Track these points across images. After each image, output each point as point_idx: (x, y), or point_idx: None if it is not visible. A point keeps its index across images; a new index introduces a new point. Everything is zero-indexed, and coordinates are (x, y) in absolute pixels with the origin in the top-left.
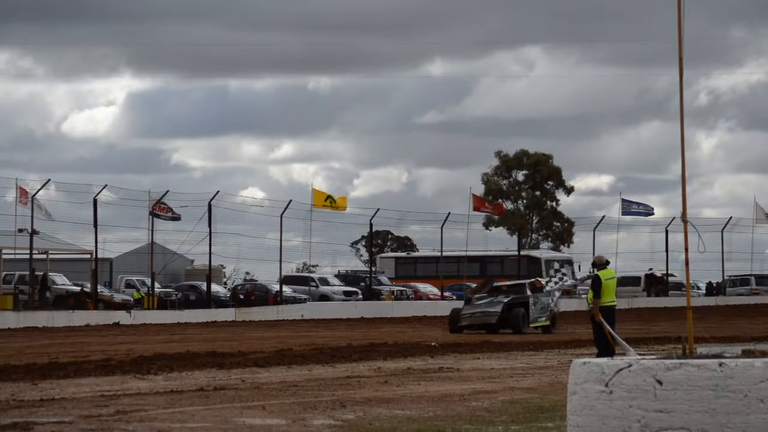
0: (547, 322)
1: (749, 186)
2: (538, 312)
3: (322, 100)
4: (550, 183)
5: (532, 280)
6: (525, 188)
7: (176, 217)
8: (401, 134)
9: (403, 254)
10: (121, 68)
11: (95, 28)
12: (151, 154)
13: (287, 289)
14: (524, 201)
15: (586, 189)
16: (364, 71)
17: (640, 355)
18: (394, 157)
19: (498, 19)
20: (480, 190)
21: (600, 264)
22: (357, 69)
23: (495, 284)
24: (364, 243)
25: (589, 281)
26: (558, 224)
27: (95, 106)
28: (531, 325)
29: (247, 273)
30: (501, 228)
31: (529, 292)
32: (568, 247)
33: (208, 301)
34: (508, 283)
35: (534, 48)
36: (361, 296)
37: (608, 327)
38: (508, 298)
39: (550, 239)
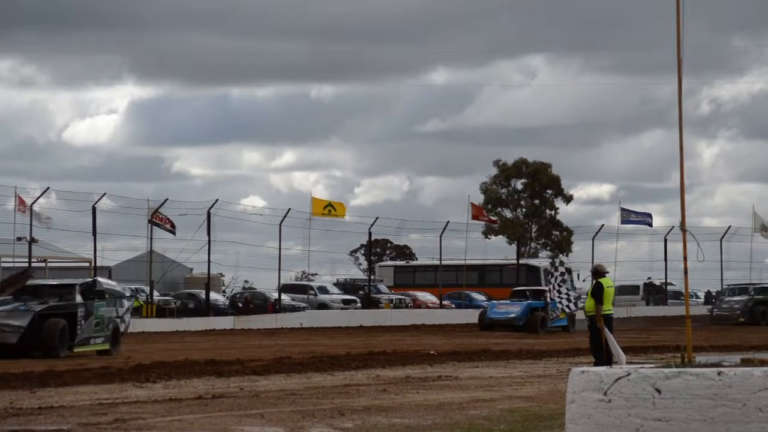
0: (107, 345)
1: (750, 195)
2: (91, 330)
3: (324, 108)
4: (549, 192)
5: (89, 280)
6: (524, 197)
7: (172, 231)
8: (403, 143)
9: (402, 263)
10: (124, 76)
11: (98, 36)
12: (153, 162)
13: (286, 298)
14: (523, 210)
15: (587, 198)
16: (367, 79)
17: (638, 364)
18: (396, 166)
19: (500, 28)
20: (479, 199)
21: (600, 273)
22: (359, 77)
23: (34, 282)
24: (363, 251)
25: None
26: (557, 233)
27: (97, 114)
28: (76, 350)
29: (246, 281)
30: (500, 237)
31: (79, 298)
32: (567, 255)
33: (207, 309)
34: (53, 282)
35: (536, 57)
36: (359, 305)
37: (609, 335)
38: (44, 305)
39: (549, 248)
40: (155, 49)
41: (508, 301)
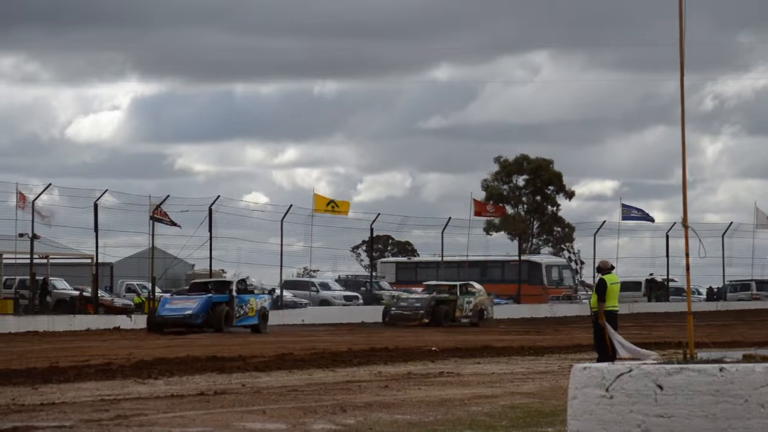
0: None
1: (753, 191)
2: None
3: (327, 104)
4: (551, 188)
5: None
6: (525, 193)
7: (175, 224)
8: (406, 139)
9: (404, 259)
10: (127, 73)
11: (101, 32)
12: (156, 159)
13: (288, 294)
14: (525, 206)
15: (590, 194)
16: (370, 76)
17: (639, 360)
18: (399, 162)
19: (504, 24)
20: (481, 195)
21: (605, 269)
22: (363, 74)
23: None
24: (364, 248)
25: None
26: (559, 229)
27: (100, 111)
28: None
29: (248, 277)
30: (502, 233)
31: None
32: (569, 252)
33: None
34: None
35: (540, 53)
36: (361, 301)
37: (612, 332)
38: None
39: (550, 244)
40: (158, 46)
41: (185, 296)
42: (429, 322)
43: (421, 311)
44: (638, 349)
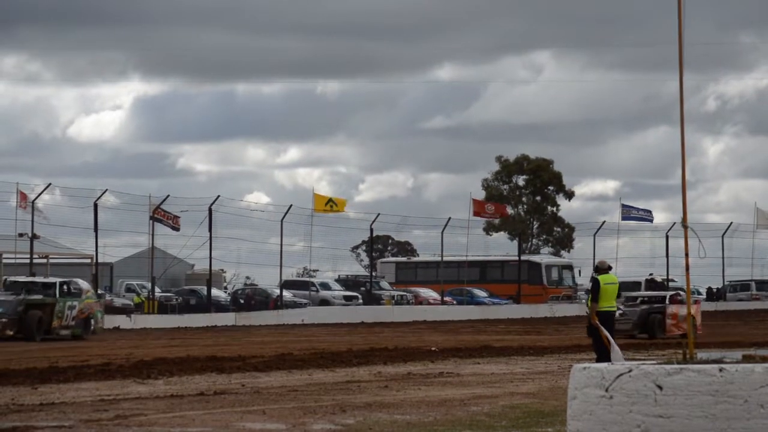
0: None
1: (754, 191)
2: None
3: (329, 104)
4: (551, 188)
5: None
6: (525, 193)
7: (176, 227)
8: (408, 139)
9: (404, 259)
10: (129, 72)
11: (103, 32)
12: (157, 159)
13: (287, 294)
14: (525, 206)
15: (591, 194)
16: (372, 76)
17: (639, 360)
18: (401, 162)
19: (506, 24)
20: (481, 195)
21: (602, 269)
22: (365, 73)
23: None
24: (364, 248)
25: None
26: (558, 229)
27: (102, 111)
28: None
29: (248, 277)
30: (501, 233)
31: None
32: (569, 252)
33: (209, 305)
34: None
35: (542, 53)
36: (361, 301)
37: (605, 331)
38: None
39: (550, 244)
40: (160, 46)
41: None
42: (15, 334)
43: (3, 320)
44: (618, 350)
